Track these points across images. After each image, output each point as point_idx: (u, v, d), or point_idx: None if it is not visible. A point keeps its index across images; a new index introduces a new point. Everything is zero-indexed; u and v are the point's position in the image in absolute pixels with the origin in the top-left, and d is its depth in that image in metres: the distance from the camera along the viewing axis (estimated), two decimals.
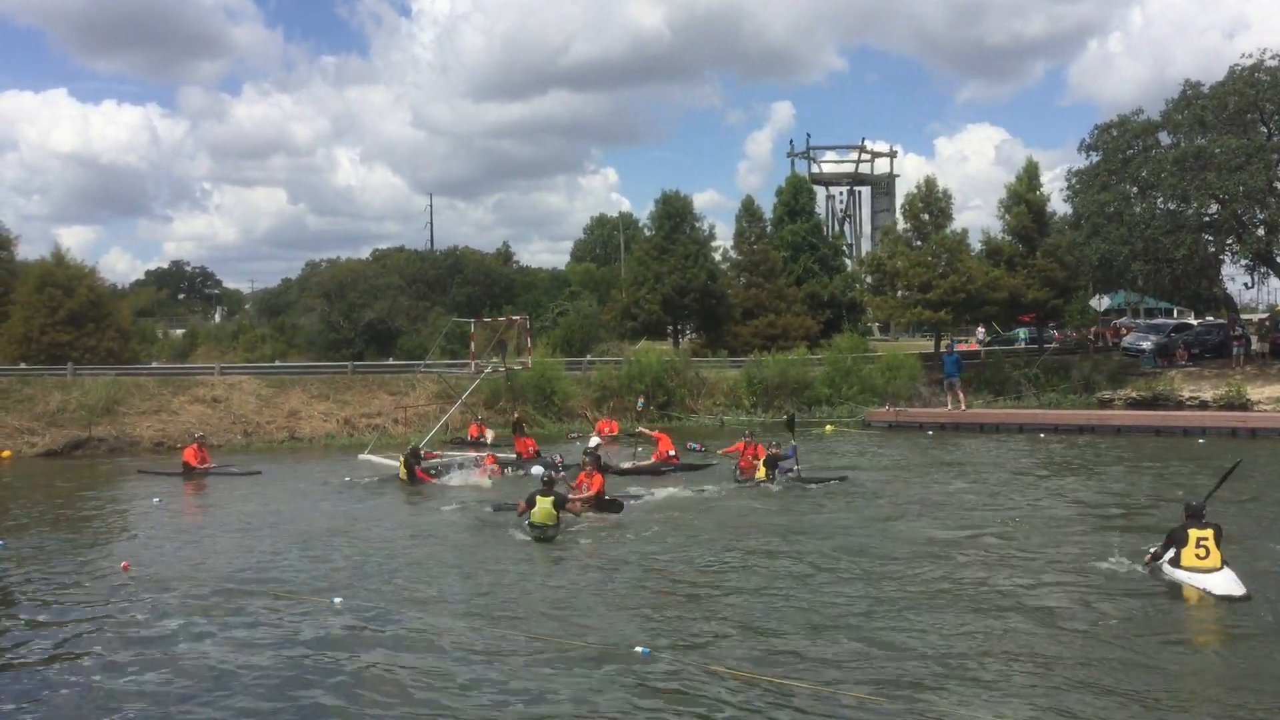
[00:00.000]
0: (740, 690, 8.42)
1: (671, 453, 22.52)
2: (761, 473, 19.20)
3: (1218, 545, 11.13)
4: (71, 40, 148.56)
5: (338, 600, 11.35)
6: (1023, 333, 50.39)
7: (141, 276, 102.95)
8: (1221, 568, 11.00)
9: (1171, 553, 11.42)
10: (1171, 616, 10.50)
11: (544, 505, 15.00)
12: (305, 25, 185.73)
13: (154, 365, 37.95)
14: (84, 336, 36.11)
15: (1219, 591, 10.74)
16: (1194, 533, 11.21)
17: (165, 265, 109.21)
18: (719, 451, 21.97)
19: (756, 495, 18.47)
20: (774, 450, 19.65)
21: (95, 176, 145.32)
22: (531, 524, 14.94)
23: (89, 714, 8.43)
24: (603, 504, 16.79)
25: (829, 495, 18.28)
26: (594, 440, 22.39)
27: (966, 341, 50.50)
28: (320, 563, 13.56)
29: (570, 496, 15.97)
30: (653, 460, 22.28)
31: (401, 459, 21.30)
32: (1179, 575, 11.23)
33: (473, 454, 23.86)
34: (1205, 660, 9.38)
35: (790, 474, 19.09)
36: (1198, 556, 11.10)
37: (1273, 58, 33.64)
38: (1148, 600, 10.93)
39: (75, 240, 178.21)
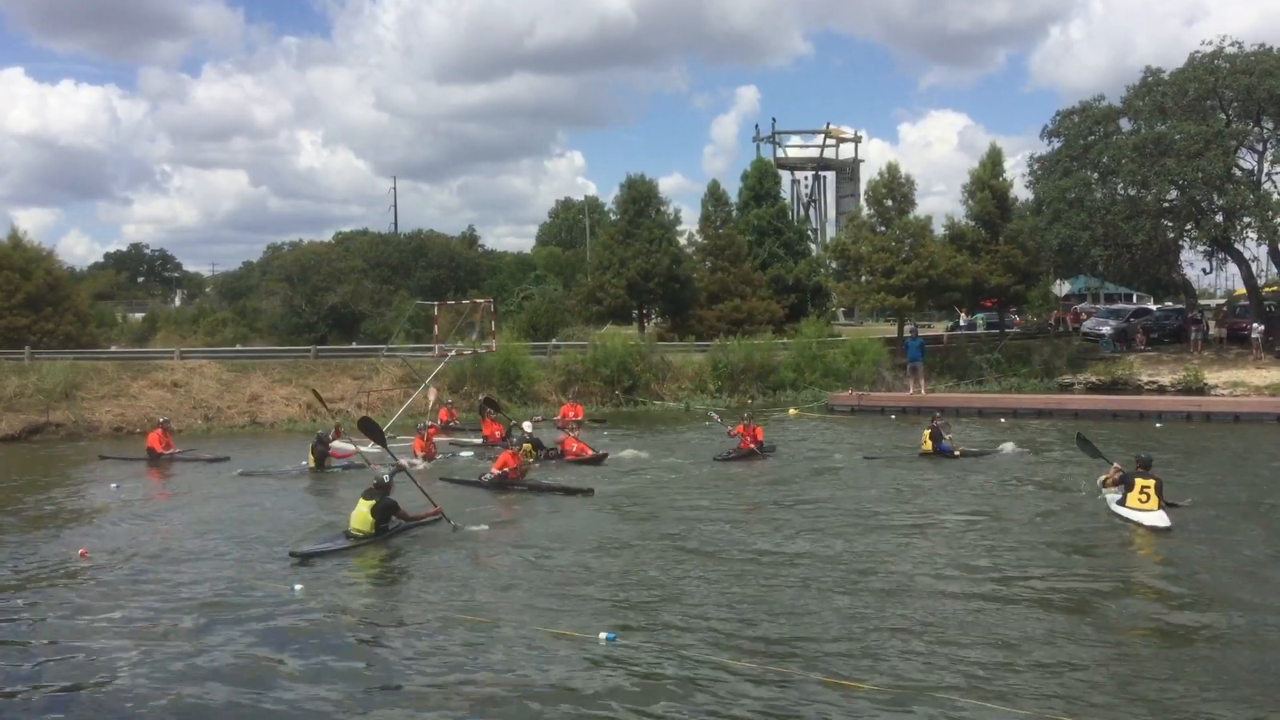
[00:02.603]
0: (707, 676, 8.45)
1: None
2: (928, 445, 20.58)
3: (1157, 494, 13.75)
4: (28, 19, 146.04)
5: (298, 587, 11.29)
6: (980, 318, 50.79)
7: (100, 259, 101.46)
8: (1158, 510, 13.58)
9: (1120, 493, 14.19)
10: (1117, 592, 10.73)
11: (361, 510, 13.40)
12: (267, 6, 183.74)
13: (113, 349, 37.52)
14: (41, 320, 35.69)
15: (1148, 523, 13.41)
16: (1140, 481, 13.95)
17: (124, 248, 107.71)
18: (729, 432, 22.10)
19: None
20: (938, 423, 21.04)
21: (53, 158, 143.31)
22: (346, 530, 13.53)
23: (41, 700, 8.36)
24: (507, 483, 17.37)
25: (810, 477, 18.53)
26: (527, 425, 22.22)
27: (930, 326, 50.92)
28: (281, 550, 13.43)
29: (404, 511, 13.88)
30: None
31: (310, 447, 20.97)
32: (1123, 512, 13.94)
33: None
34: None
35: (948, 450, 20.51)
36: (1140, 500, 13.82)
37: (1232, 45, 34.09)
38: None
39: (33, 222, 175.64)
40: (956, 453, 20.40)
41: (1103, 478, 15.02)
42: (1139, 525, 13.51)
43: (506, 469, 17.71)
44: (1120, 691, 8.00)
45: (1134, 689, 8.05)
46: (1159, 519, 13.46)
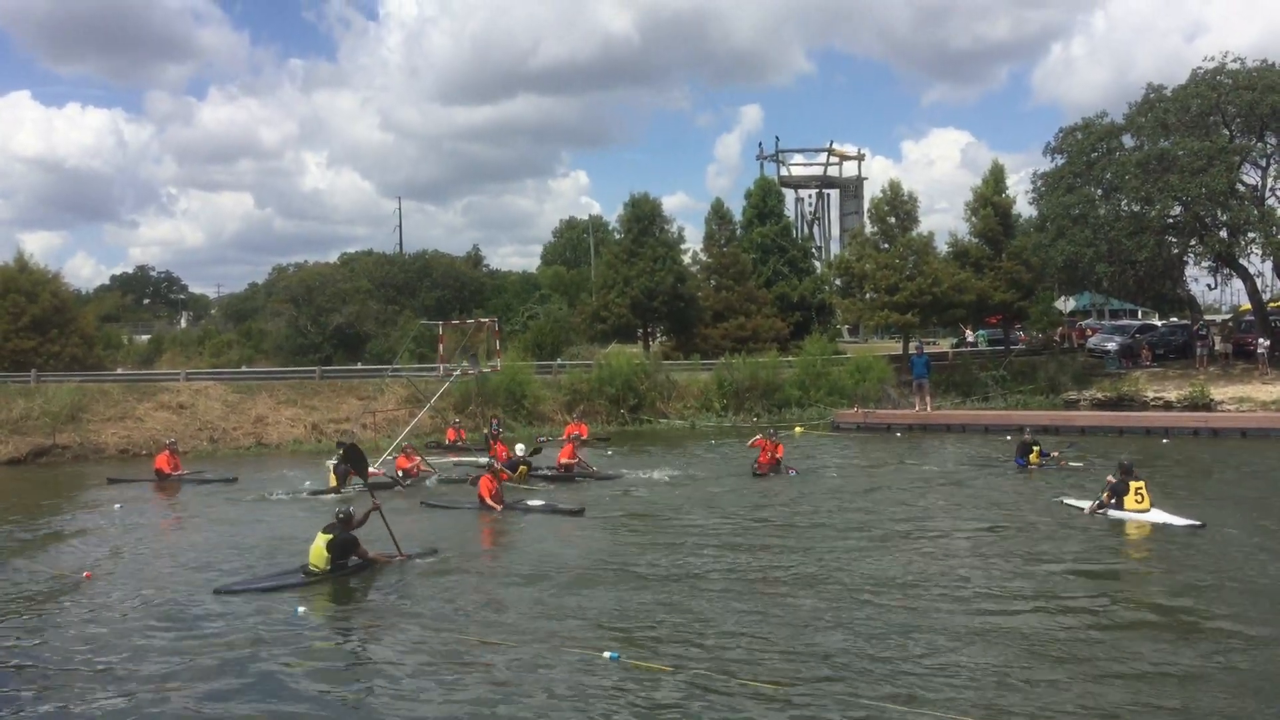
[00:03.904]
0: (713, 694, 8.40)
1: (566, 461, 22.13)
2: (1035, 457, 21.20)
3: (1147, 492, 15.03)
4: (35, 42, 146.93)
5: (301, 610, 11.27)
6: (982, 335, 50.74)
7: (106, 282, 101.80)
8: (1151, 509, 14.85)
9: (1115, 502, 15.19)
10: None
11: (317, 544, 12.75)
12: (272, 28, 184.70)
13: (119, 372, 37.55)
14: (47, 343, 35.71)
15: (1181, 523, 14.42)
16: (1133, 484, 15.08)
17: (130, 270, 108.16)
18: (749, 444, 22.29)
19: (772, 486, 18.69)
20: (1026, 438, 21.80)
21: (60, 181, 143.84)
22: (304, 565, 12.92)
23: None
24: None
25: (813, 489, 18.47)
26: (519, 447, 21.97)
27: (935, 343, 50.86)
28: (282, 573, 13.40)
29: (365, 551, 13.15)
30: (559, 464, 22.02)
31: (330, 466, 21.02)
32: (1127, 516, 14.99)
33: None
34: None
35: (1048, 457, 21.35)
36: (1136, 501, 14.98)
37: (1234, 61, 34.10)
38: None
39: (39, 245, 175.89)
40: (1031, 468, 20.84)
41: (1093, 508, 15.67)
42: (1166, 525, 14.52)
43: (491, 492, 17.57)
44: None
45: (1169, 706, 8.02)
46: (1184, 518, 14.62)
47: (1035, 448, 21.26)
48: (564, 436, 26.94)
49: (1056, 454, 21.48)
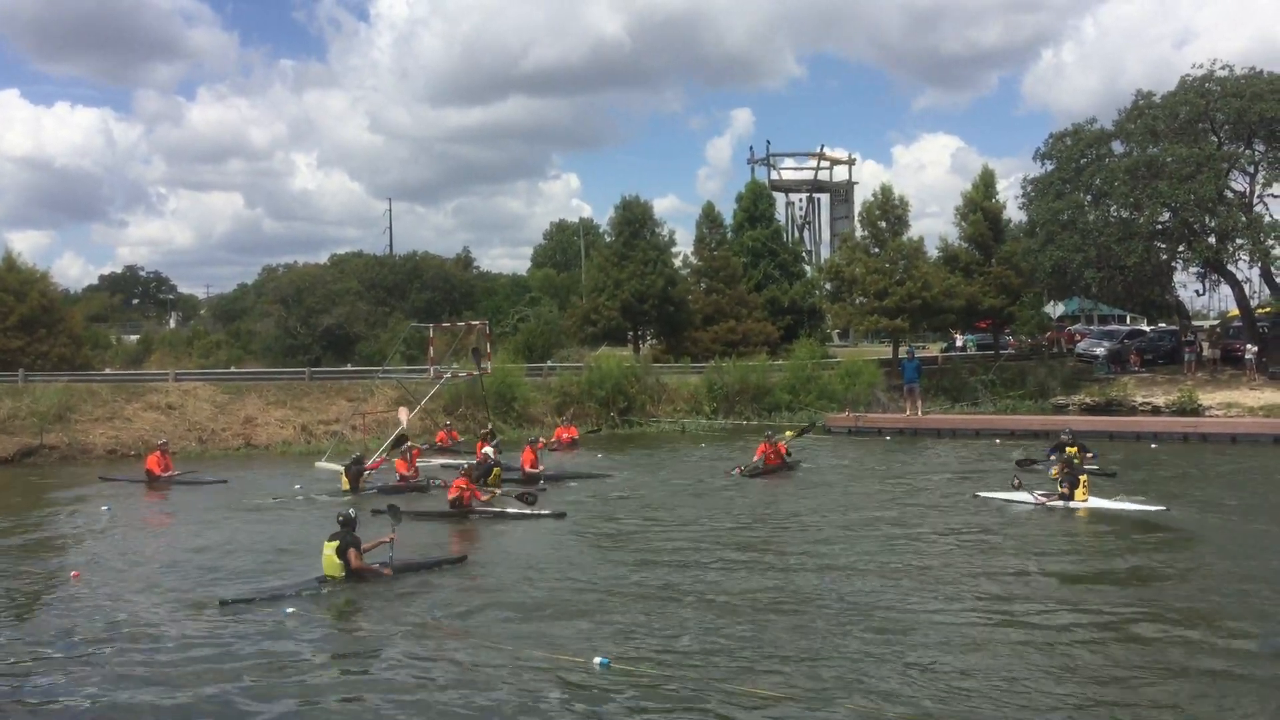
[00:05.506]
0: (704, 700, 8.41)
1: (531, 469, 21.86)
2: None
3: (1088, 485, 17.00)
4: (24, 42, 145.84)
5: (289, 610, 11.24)
6: (971, 340, 50.87)
7: (95, 281, 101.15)
8: (1089, 499, 16.69)
9: (1064, 488, 16.86)
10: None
11: (326, 552, 12.50)
12: (263, 29, 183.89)
13: (107, 371, 37.40)
14: (35, 342, 35.54)
15: (1152, 507, 16.06)
16: (1082, 477, 16.90)
17: (119, 270, 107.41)
18: (755, 455, 22.29)
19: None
20: (1064, 439, 21.50)
21: (48, 180, 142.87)
22: (320, 576, 12.60)
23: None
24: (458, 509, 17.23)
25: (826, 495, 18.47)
26: (488, 449, 21.64)
27: (925, 347, 50.97)
28: (272, 575, 13.36)
29: (364, 560, 12.59)
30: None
31: (343, 469, 20.98)
32: (1075, 505, 16.60)
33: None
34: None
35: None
36: (1083, 494, 16.68)
37: (1223, 68, 34.34)
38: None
39: (27, 244, 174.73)
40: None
41: (1047, 495, 17.10)
42: (1125, 511, 16.07)
43: (461, 495, 17.42)
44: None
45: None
46: (1143, 504, 16.36)
47: (1068, 449, 20.88)
48: (554, 439, 26.99)
49: (1091, 454, 21.06)
